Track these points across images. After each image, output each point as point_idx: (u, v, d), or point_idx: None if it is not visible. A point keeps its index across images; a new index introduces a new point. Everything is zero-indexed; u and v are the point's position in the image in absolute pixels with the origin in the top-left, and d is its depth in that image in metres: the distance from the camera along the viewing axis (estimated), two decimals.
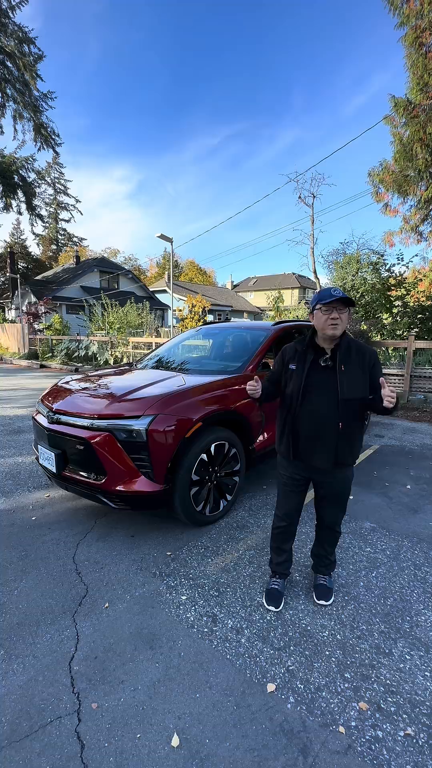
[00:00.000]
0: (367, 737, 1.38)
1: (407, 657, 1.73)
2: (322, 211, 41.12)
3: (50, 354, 16.04)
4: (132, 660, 1.69)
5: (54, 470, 2.72)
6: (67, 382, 3.39)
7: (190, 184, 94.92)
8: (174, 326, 15.05)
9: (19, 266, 34.77)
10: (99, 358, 13.47)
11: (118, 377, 3.46)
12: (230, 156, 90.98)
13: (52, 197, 42.63)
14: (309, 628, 1.89)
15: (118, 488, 2.48)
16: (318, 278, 15.75)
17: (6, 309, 28.46)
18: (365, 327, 9.57)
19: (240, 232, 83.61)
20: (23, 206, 23.95)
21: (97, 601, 2.04)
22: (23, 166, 21.93)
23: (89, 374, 3.70)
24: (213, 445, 2.76)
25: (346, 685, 1.58)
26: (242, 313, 35.71)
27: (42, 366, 14.53)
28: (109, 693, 1.53)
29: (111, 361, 13.01)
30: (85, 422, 2.60)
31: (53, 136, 24.07)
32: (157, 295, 30.92)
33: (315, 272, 15.85)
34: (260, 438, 3.31)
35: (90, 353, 13.92)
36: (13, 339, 18.67)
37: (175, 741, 1.35)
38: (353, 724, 1.42)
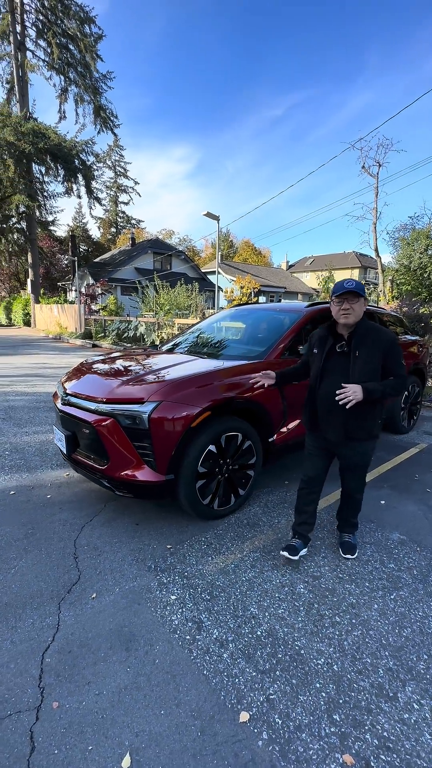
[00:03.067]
0: None
1: (415, 706, 1.45)
2: (387, 179, 37.14)
3: (103, 334, 16.67)
4: (104, 660, 1.60)
5: (65, 451, 2.73)
6: (87, 363, 3.37)
7: (249, 161, 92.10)
8: (222, 308, 14.81)
9: (81, 249, 36.33)
10: (146, 339, 13.71)
11: (134, 360, 3.36)
12: (293, 127, 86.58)
13: (112, 180, 43.63)
14: (302, 651, 1.67)
15: (120, 475, 2.40)
16: (380, 257, 14.37)
17: (67, 291, 30.09)
18: (427, 310, 8.59)
19: (299, 209, 79.90)
20: (83, 190, 24.69)
21: (86, 590, 1.99)
22: (83, 150, 22.44)
23: (109, 355, 3.65)
24: (224, 437, 2.57)
25: (332, 729, 1.36)
26: (296, 294, 34.36)
27: (94, 345, 15.16)
28: (73, 693, 1.46)
29: (157, 342, 13.18)
30: (92, 405, 2.54)
31: (112, 118, 24.36)
32: (210, 276, 30.69)
33: (376, 250, 14.44)
34: (283, 430, 3.04)
35: (138, 334, 14.21)
36: (71, 319, 19.68)
37: (126, 762, 1.24)
38: None
